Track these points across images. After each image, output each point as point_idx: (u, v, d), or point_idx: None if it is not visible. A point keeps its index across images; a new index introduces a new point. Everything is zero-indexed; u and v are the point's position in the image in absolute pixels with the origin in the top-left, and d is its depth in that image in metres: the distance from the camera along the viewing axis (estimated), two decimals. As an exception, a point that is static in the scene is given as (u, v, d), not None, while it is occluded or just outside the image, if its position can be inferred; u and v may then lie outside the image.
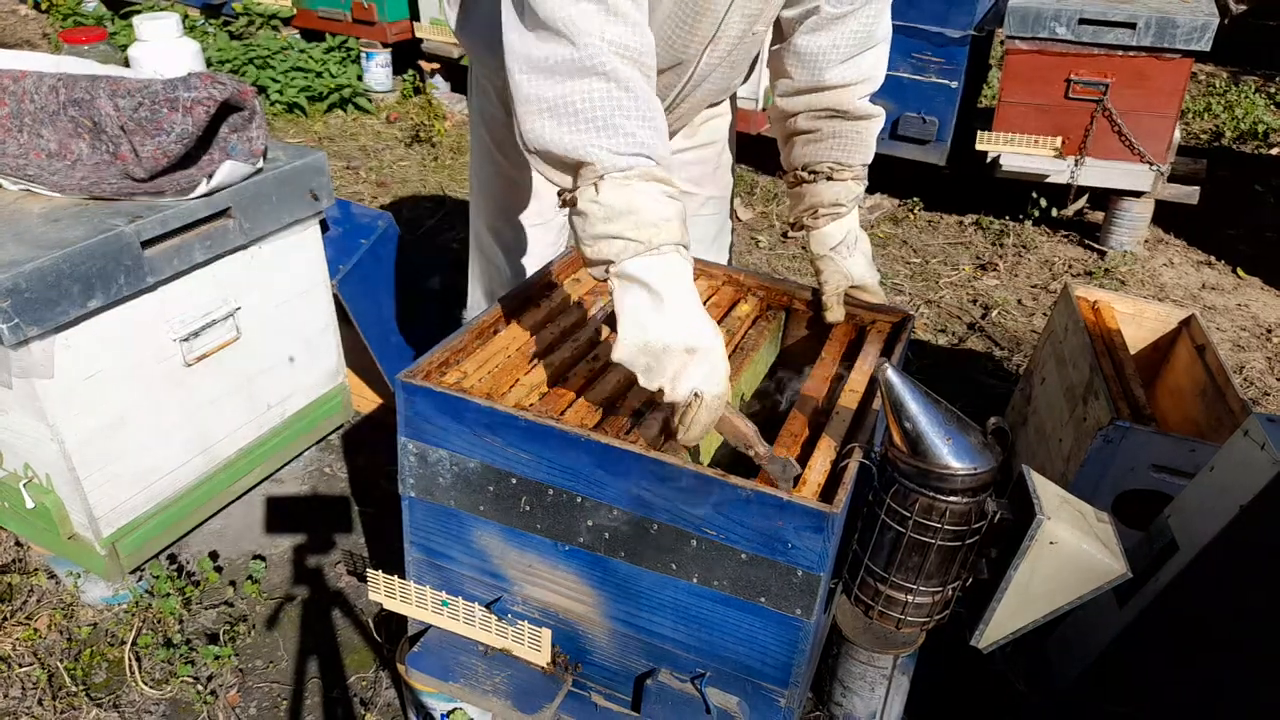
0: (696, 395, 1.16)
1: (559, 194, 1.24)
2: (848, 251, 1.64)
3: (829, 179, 1.64)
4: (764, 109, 4.04)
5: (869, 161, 1.68)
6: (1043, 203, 4.07)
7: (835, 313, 1.64)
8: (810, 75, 1.61)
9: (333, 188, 2.23)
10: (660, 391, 1.18)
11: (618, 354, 1.18)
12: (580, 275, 1.70)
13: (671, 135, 1.79)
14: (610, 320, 1.17)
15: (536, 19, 1.18)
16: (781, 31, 1.63)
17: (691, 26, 1.49)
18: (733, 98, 1.93)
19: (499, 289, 2.08)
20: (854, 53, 1.58)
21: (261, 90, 5.05)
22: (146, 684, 1.90)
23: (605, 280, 1.20)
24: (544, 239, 2.02)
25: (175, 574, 2.12)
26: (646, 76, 1.22)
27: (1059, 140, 3.81)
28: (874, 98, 1.65)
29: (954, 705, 1.92)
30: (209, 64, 4.84)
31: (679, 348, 1.15)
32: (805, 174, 1.66)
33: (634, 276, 1.15)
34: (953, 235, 4.18)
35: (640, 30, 1.21)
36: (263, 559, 2.20)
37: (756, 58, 1.77)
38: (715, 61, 1.59)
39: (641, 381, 1.19)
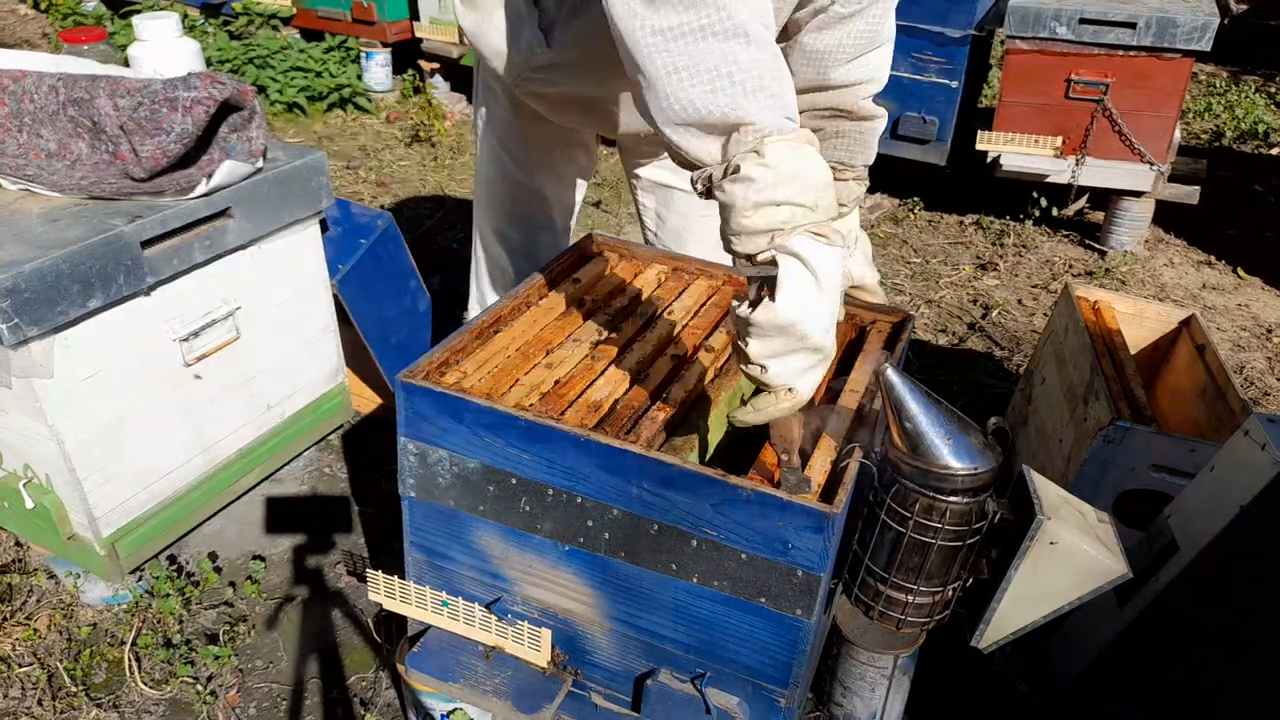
0: (790, 391, 1.14)
1: (696, 179, 1.16)
2: (848, 252, 1.64)
3: None
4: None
5: (871, 162, 1.68)
6: (1043, 203, 4.06)
7: (836, 312, 1.64)
8: (816, 74, 1.61)
9: (333, 188, 2.23)
10: (760, 368, 1.13)
11: (761, 316, 1.10)
12: (580, 275, 1.70)
13: None
14: (762, 283, 1.12)
15: None
16: (787, 30, 1.63)
17: None
18: None
19: (501, 290, 2.08)
20: (860, 52, 1.58)
21: (261, 90, 5.05)
22: (146, 684, 1.90)
23: (754, 255, 1.12)
24: (549, 241, 2.02)
25: (175, 574, 2.12)
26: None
27: (1059, 140, 3.81)
28: (875, 98, 1.65)
29: (954, 705, 1.92)
30: (209, 64, 4.84)
31: (813, 344, 1.11)
32: None
33: (804, 258, 1.08)
34: (953, 235, 4.18)
35: None
36: (262, 559, 2.19)
37: None
38: None
39: (751, 348, 1.12)
